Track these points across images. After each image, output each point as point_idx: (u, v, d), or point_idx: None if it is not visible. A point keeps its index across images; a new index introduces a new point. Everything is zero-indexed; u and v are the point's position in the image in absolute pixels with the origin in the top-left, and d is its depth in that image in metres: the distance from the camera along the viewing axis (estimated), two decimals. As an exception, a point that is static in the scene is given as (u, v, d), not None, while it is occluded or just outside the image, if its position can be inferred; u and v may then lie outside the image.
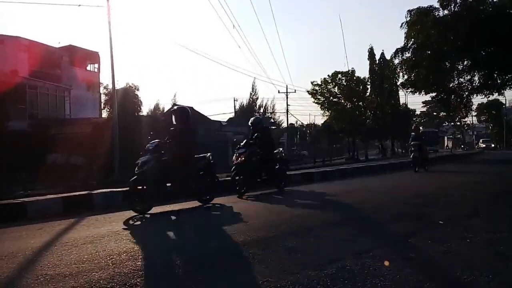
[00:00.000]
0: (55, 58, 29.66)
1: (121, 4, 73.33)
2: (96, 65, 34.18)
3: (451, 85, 33.07)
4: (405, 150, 63.15)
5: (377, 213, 6.55)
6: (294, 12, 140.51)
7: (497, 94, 35.01)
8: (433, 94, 35.54)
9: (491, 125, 77.84)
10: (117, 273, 3.57)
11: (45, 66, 27.92)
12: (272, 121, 62.48)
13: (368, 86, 46.41)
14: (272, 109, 64.82)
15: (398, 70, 33.00)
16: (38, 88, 27.06)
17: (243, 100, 63.89)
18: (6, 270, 3.85)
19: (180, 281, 3.40)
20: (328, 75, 44.55)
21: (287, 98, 49.74)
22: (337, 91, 44.56)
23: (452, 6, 29.26)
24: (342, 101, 45.02)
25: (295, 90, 58.19)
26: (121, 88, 23.94)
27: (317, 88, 44.46)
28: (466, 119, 70.91)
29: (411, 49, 31.03)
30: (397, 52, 31.83)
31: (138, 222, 6.30)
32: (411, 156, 16.74)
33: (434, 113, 77.79)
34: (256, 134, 9.98)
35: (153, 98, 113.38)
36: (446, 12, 29.69)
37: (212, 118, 47.02)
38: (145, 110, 37.37)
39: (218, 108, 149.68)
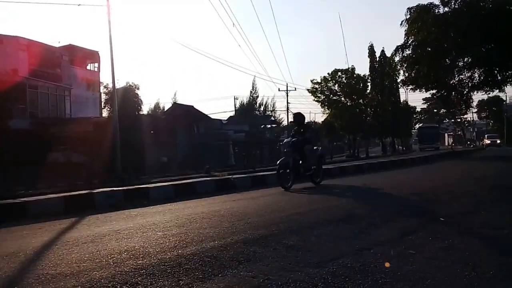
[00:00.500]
0: (55, 58, 29.67)
1: (121, 3, 73.28)
2: (96, 64, 34.20)
3: (451, 82, 33.05)
4: (406, 147, 63.18)
5: (378, 210, 6.55)
6: (294, 10, 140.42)
7: (497, 90, 34.99)
8: (434, 91, 35.54)
9: (492, 121, 77.81)
10: (118, 272, 3.57)
11: (45, 66, 27.94)
12: (273, 119, 62.50)
13: (369, 84, 46.40)
14: (273, 107, 64.83)
15: (399, 67, 33.00)
16: (39, 87, 27.09)
17: (244, 99, 63.92)
18: (7, 270, 3.85)
19: (182, 278, 3.39)
20: (328, 73, 44.57)
21: (287, 96, 49.76)
22: (337, 88, 44.55)
23: (452, 3, 29.22)
24: (343, 98, 45.01)
25: (295, 88, 58.19)
26: (121, 87, 23.97)
27: (317, 86, 44.43)
28: (466, 116, 71.00)
29: (411, 47, 31.02)
30: (398, 49, 31.81)
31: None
32: (277, 164, 10.26)
33: (435, 110, 77.69)
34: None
35: (154, 97, 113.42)
36: (446, 9, 29.65)
37: (213, 116, 47.02)
38: (145, 109, 37.38)
39: (219, 107, 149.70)
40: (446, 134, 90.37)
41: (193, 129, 38.76)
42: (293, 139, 10.30)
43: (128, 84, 25.76)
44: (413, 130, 74.93)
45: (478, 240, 4.45)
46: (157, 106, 57.56)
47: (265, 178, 12.41)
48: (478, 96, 63.71)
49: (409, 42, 31.04)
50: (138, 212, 7.33)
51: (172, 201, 8.52)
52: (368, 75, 46.49)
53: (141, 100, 26.82)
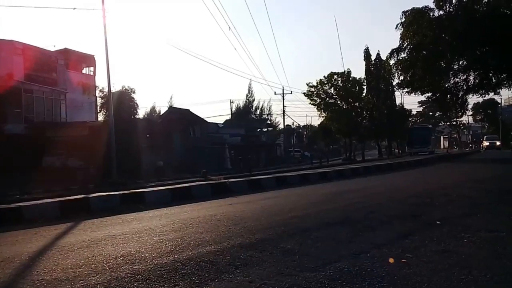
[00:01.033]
0: (50, 62, 29.56)
1: (116, 7, 73.39)
2: (92, 68, 34.10)
3: (446, 85, 33.19)
4: (401, 150, 63.32)
5: (374, 213, 6.55)
6: (290, 13, 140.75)
7: (492, 93, 35.14)
8: (429, 94, 35.69)
9: (487, 124, 78.14)
10: (114, 277, 3.55)
11: (40, 70, 27.82)
12: (269, 122, 62.52)
13: (364, 87, 46.48)
14: (269, 110, 64.92)
15: (394, 70, 33.10)
16: (34, 91, 26.96)
17: (240, 102, 63.98)
18: (2, 275, 3.82)
19: (178, 283, 3.38)
20: (324, 76, 44.63)
21: (283, 99, 49.85)
22: (333, 92, 44.61)
23: (447, 6, 29.39)
24: (338, 102, 45.06)
25: (291, 91, 58.48)
26: (117, 91, 23.93)
27: (313, 89, 44.49)
28: (462, 119, 71.28)
29: (406, 50, 31.15)
30: (393, 52, 31.93)
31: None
32: None
33: (430, 113, 77.98)
34: None
35: (149, 100, 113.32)
36: (441, 12, 29.82)
37: (209, 120, 46.97)
38: (141, 112, 37.35)
39: (215, 110, 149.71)
40: (442, 137, 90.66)
41: (189, 133, 38.69)
42: None
43: (124, 88, 25.74)
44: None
45: (474, 243, 4.45)
46: (153, 110, 57.56)
47: (261, 181, 12.42)
48: (473, 99, 64.12)
49: (405, 45, 31.18)
50: (134, 216, 7.31)
51: (168, 206, 8.50)
52: (364, 78, 46.59)
53: (137, 104, 26.79)
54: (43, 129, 24.08)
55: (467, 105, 40.69)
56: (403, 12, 30.78)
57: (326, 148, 56.69)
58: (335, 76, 44.22)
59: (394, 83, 38.35)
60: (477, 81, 31.68)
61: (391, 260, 4.06)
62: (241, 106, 63.02)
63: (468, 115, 74.01)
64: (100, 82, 34.58)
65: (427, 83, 31.78)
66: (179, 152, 32.57)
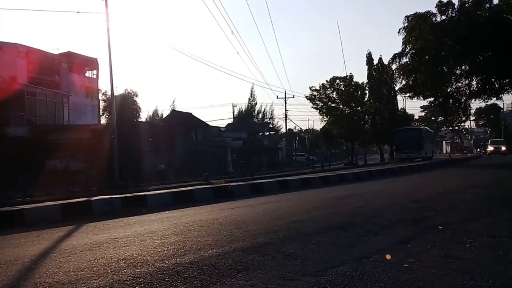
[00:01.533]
0: (53, 65, 29.67)
1: (120, 10, 73.69)
2: (95, 72, 34.21)
3: (449, 90, 33.21)
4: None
5: (376, 217, 6.54)
6: (293, 18, 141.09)
7: (495, 98, 35.13)
8: (431, 99, 35.71)
9: (490, 129, 77.97)
10: (116, 280, 3.56)
11: (43, 73, 27.94)
12: (271, 126, 62.54)
13: (367, 91, 46.47)
14: (271, 114, 64.94)
15: (396, 75, 33.14)
16: (37, 94, 27.06)
17: (242, 106, 64.04)
18: (5, 278, 3.83)
19: (180, 287, 3.38)
20: (327, 80, 44.65)
21: (285, 103, 49.92)
22: (335, 96, 44.62)
23: (449, 12, 29.46)
24: (341, 106, 45.06)
25: (293, 95, 58.42)
26: (119, 94, 23.94)
27: (315, 93, 44.52)
28: (464, 124, 71.15)
29: (408, 55, 31.21)
30: (395, 57, 32.00)
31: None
32: None
33: (433, 118, 77.87)
34: None
35: (152, 104, 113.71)
36: (443, 17, 29.90)
37: (211, 124, 47.03)
38: (143, 116, 37.40)
39: (217, 114, 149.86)
40: (444, 142, 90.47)
41: (191, 136, 38.74)
42: None
43: (127, 91, 25.76)
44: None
45: (476, 248, 4.44)
46: (155, 113, 57.67)
47: (263, 185, 12.42)
48: (475, 104, 63.98)
49: (407, 50, 31.25)
50: (136, 219, 7.32)
51: (170, 209, 8.50)
52: (366, 82, 46.60)
53: (139, 107, 26.79)
54: (46, 132, 24.15)
55: (470, 110, 40.71)
56: (405, 16, 30.89)
57: (328, 152, 56.63)
58: (338, 81, 44.25)
59: (396, 88, 38.43)
60: (479, 86, 31.69)
61: (388, 257, 4.10)
62: (243, 110, 63.10)
63: (470, 120, 73.93)
64: (103, 85, 34.62)
65: (429, 88, 31.82)
66: (181, 155, 32.61)
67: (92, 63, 33.57)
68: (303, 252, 4.38)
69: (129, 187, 16.58)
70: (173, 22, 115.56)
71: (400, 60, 31.75)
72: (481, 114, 74.69)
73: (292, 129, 64.83)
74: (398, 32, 31.39)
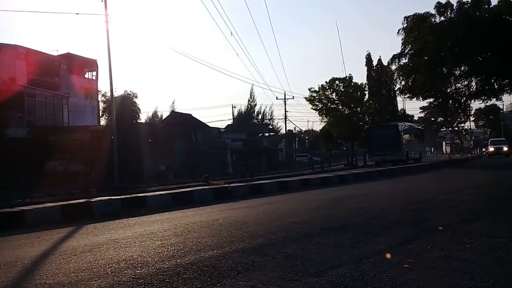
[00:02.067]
0: (53, 66, 29.71)
1: (119, 12, 73.79)
2: (94, 73, 34.25)
3: (448, 91, 33.26)
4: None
5: (376, 218, 6.54)
6: (292, 19, 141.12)
7: (494, 99, 35.18)
8: (431, 100, 35.76)
9: (489, 130, 78.07)
10: (116, 281, 3.56)
11: (43, 74, 27.97)
12: (271, 127, 62.57)
13: (366, 92, 46.49)
14: (271, 115, 65.04)
15: (396, 76, 33.18)
16: (36, 96, 27.09)
17: (242, 107, 64.10)
18: (5, 279, 3.83)
19: (180, 289, 3.38)
20: (326, 81, 44.68)
21: (285, 104, 50.01)
22: (335, 97, 44.65)
23: (448, 13, 29.52)
24: (340, 107, 45.09)
25: (293, 96, 58.49)
26: (119, 95, 23.98)
27: (314, 94, 44.55)
28: (464, 124, 71.25)
29: (408, 55, 31.25)
30: (394, 58, 32.05)
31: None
32: None
33: (432, 119, 77.97)
34: None
35: (152, 105, 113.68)
36: (442, 18, 29.94)
37: (211, 125, 47.03)
38: (143, 117, 37.40)
39: (217, 115, 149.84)
40: (444, 143, 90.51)
41: (191, 137, 38.76)
42: None
43: (126, 93, 25.80)
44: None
45: (476, 249, 4.44)
46: (155, 114, 57.75)
47: (263, 186, 12.42)
48: (475, 105, 63.96)
49: (406, 51, 31.29)
50: (136, 221, 7.31)
51: (170, 210, 8.50)
52: (366, 83, 46.62)
53: (139, 109, 26.85)
54: (45, 134, 24.17)
55: (470, 110, 40.77)
56: (405, 17, 30.95)
57: (328, 153, 56.65)
58: (337, 81, 44.28)
59: (395, 89, 38.44)
60: (479, 87, 31.75)
61: (388, 256, 4.11)
62: (243, 111, 63.19)
63: (470, 121, 74.03)
64: (103, 86, 34.65)
65: (428, 88, 31.86)
66: (181, 156, 32.62)
67: (91, 65, 33.60)
68: (303, 253, 4.38)
69: (129, 188, 16.59)
70: (172, 23, 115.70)
71: (399, 61, 31.82)
72: (481, 115, 74.80)
73: (292, 130, 64.92)
74: (397, 33, 31.46)
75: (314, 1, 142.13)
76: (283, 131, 58.28)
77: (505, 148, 43.13)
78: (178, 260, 4.19)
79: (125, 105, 24.28)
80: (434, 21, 30.02)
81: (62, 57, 31.16)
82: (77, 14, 25.20)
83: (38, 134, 24.18)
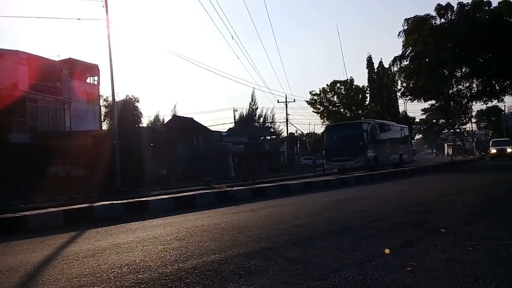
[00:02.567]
0: (55, 71, 29.80)
1: (121, 17, 73.92)
2: (96, 78, 34.34)
3: (450, 92, 33.24)
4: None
5: (378, 221, 6.53)
6: (293, 22, 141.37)
7: (496, 100, 35.13)
8: (433, 102, 35.75)
9: (491, 131, 77.95)
10: (119, 286, 3.56)
11: (45, 79, 28.06)
12: (272, 130, 62.56)
13: (367, 95, 46.58)
14: (272, 118, 65.00)
15: (397, 78, 33.21)
16: (38, 101, 27.17)
17: (243, 110, 64.10)
18: (8, 285, 3.84)
19: (182, 293, 3.38)
20: (327, 84, 44.88)
21: (286, 107, 49.93)
22: (336, 100, 44.76)
23: (449, 14, 29.54)
24: (341, 110, 45.16)
25: (294, 99, 58.47)
26: (121, 100, 24.03)
27: (316, 97, 44.64)
28: (465, 126, 71.17)
29: (409, 57, 31.28)
30: (395, 60, 32.08)
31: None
32: None
33: (434, 120, 77.90)
34: None
35: (153, 109, 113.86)
36: (443, 20, 29.98)
37: (212, 128, 47.07)
38: (145, 121, 37.43)
39: (218, 119, 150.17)
40: (446, 144, 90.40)
41: (193, 141, 38.76)
42: None
43: (128, 97, 25.87)
44: (413, 141, 74.87)
45: (479, 251, 4.43)
46: (156, 118, 57.68)
47: (265, 190, 12.42)
48: (477, 106, 63.96)
49: (407, 53, 31.32)
50: (138, 225, 7.32)
51: (172, 214, 8.51)
52: (367, 86, 46.69)
53: (140, 113, 26.91)
54: (48, 139, 24.21)
55: (471, 112, 40.71)
56: (405, 19, 30.99)
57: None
58: (338, 84, 44.43)
59: (397, 91, 38.44)
60: (480, 88, 31.74)
61: (387, 251, 4.17)
62: (244, 115, 63.16)
63: (472, 122, 73.96)
64: (104, 91, 34.78)
65: (430, 90, 31.86)
66: (183, 160, 32.62)
67: (93, 69, 33.70)
68: (306, 257, 4.38)
69: (130, 193, 16.60)
70: (173, 27, 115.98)
71: (400, 63, 31.85)
72: (482, 116, 74.70)
73: (294, 133, 64.88)
74: (398, 35, 31.51)
75: (314, 4, 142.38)
76: (284, 134, 58.27)
77: (509, 150, 36.93)
78: (180, 265, 4.19)
79: (126, 110, 24.33)
80: (435, 23, 30.06)
81: (63, 62, 31.26)
82: (78, 19, 25.15)
83: (40, 139, 24.23)
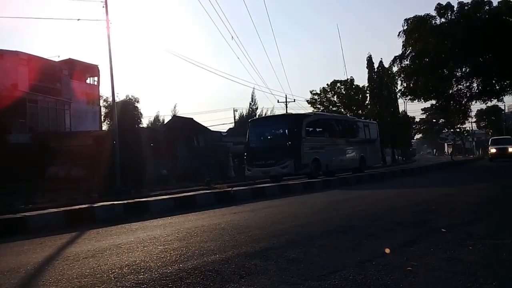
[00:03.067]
0: (55, 72, 29.83)
1: (121, 17, 73.96)
2: (96, 78, 34.37)
3: (450, 92, 33.25)
4: (406, 157, 63.24)
5: (378, 220, 6.53)
6: (292, 22, 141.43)
7: (496, 100, 35.14)
8: (433, 101, 35.78)
9: (491, 131, 77.99)
10: (119, 287, 3.56)
11: (45, 80, 28.08)
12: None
13: (367, 94, 46.57)
14: (272, 118, 64.74)
15: (397, 77, 33.23)
16: (38, 101, 27.19)
17: (243, 110, 63.99)
18: (8, 286, 3.84)
19: (183, 293, 3.38)
20: (327, 84, 44.85)
21: (286, 107, 49.90)
22: (336, 99, 44.77)
23: (449, 14, 29.56)
24: (342, 109, 45.16)
25: (294, 99, 58.43)
26: (121, 100, 24.01)
27: (316, 97, 44.66)
28: (465, 125, 71.18)
29: (409, 57, 31.30)
30: (395, 60, 32.11)
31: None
32: None
33: (434, 120, 77.90)
34: None
35: (153, 109, 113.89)
36: (443, 20, 30.00)
37: (212, 128, 47.04)
38: (145, 122, 37.45)
39: (218, 119, 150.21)
40: (446, 144, 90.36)
41: (193, 141, 38.70)
42: None
43: (128, 98, 25.86)
44: (413, 141, 74.83)
45: (479, 250, 4.43)
46: (156, 119, 57.65)
47: (265, 190, 12.42)
48: (477, 106, 63.92)
49: (407, 53, 31.35)
50: (139, 226, 7.32)
51: (172, 214, 8.51)
52: (367, 85, 46.69)
53: (140, 113, 26.89)
54: (48, 139, 24.22)
55: (470, 112, 40.72)
56: (405, 19, 31.01)
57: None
58: (338, 84, 44.44)
59: (397, 91, 38.46)
60: (480, 88, 31.74)
61: (387, 251, 4.17)
62: (244, 115, 63.02)
63: (471, 122, 73.97)
64: (104, 91, 34.80)
65: (430, 90, 31.87)
66: (183, 160, 32.60)
67: (93, 70, 33.73)
68: (306, 257, 4.38)
69: (131, 193, 16.60)
70: (173, 28, 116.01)
71: (400, 63, 31.86)
72: (482, 116, 74.73)
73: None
74: (398, 35, 31.54)
75: (314, 4, 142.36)
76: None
77: (511, 149, 31.57)
78: (181, 265, 4.19)
79: (126, 110, 24.30)
80: (435, 22, 30.09)
81: (63, 62, 31.28)
82: (78, 20, 25.07)
83: (40, 139, 24.24)
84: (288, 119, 20.41)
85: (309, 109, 45.56)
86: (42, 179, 19.83)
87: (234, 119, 61.58)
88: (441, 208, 7.74)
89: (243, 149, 22.08)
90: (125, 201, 9.50)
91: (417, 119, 72.88)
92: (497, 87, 31.60)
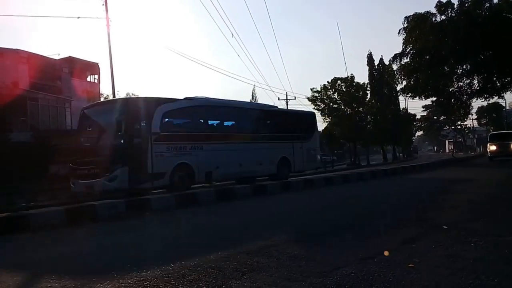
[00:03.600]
0: (55, 70, 29.81)
1: (121, 15, 73.88)
2: (96, 76, 34.36)
3: (450, 89, 33.20)
4: (406, 155, 63.21)
5: (380, 218, 6.54)
6: (294, 20, 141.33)
7: (497, 97, 35.08)
8: (433, 99, 35.69)
9: (492, 128, 77.90)
10: (122, 284, 3.57)
11: (45, 78, 28.06)
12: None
13: (368, 92, 46.50)
14: (273, 116, 64.74)
15: (397, 75, 33.16)
16: (39, 99, 27.17)
17: (244, 108, 63.91)
18: (11, 283, 3.85)
19: (185, 290, 3.39)
20: (328, 82, 44.71)
21: (287, 105, 49.82)
22: (337, 97, 44.69)
23: (449, 11, 29.47)
24: (342, 107, 45.10)
25: (295, 97, 58.45)
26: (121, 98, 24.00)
27: (316, 94, 44.59)
28: (466, 122, 71.09)
29: (409, 55, 31.23)
30: (396, 57, 32.01)
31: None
32: None
33: (435, 117, 77.79)
34: None
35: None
36: (443, 17, 29.91)
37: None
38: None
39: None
40: (446, 141, 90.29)
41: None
42: None
43: (128, 95, 25.87)
44: (414, 138, 74.75)
45: (481, 247, 4.43)
46: (157, 116, 57.64)
47: (266, 187, 12.42)
48: (478, 103, 63.77)
49: (407, 50, 31.26)
50: (140, 223, 7.33)
51: (173, 211, 8.52)
52: (368, 83, 46.61)
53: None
54: (49, 137, 24.21)
55: (471, 109, 40.64)
56: (405, 17, 30.92)
57: (331, 154, 56.56)
58: (339, 81, 44.32)
59: (397, 88, 38.40)
60: (481, 85, 31.68)
61: (386, 253, 4.14)
62: (245, 112, 63.01)
63: (472, 119, 73.90)
64: (105, 89, 34.87)
65: (430, 87, 31.80)
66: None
67: (93, 68, 33.71)
68: (308, 253, 4.38)
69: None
70: (173, 25, 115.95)
71: (401, 60, 31.79)
72: (483, 113, 74.64)
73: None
74: (398, 32, 31.43)
75: (315, 1, 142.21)
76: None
77: None
78: (183, 262, 4.19)
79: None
80: (435, 20, 29.98)
81: (64, 60, 31.27)
82: (78, 18, 25.40)
83: (41, 138, 24.23)
84: (129, 106, 12.66)
85: (309, 106, 45.48)
86: (43, 177, 19.83)
87: (235, 117, 61.57)
88: (443, 205, 7.73)
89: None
90: (127, 199, 9.51)
91: (418, 116, 72.76)
92: (498, 84, 31.54)
